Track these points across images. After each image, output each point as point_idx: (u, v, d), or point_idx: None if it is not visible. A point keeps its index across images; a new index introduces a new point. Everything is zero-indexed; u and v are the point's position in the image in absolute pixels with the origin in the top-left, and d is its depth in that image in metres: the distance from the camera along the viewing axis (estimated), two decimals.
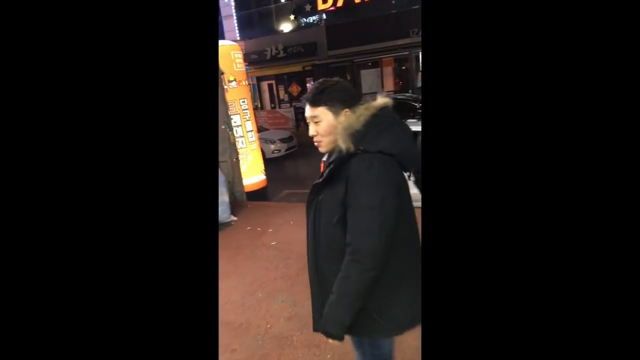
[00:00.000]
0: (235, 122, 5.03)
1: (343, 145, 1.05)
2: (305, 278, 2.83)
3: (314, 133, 1.14)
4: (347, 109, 1.10)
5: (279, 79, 13.76)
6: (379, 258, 1.04)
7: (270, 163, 7.77)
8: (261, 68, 13.45)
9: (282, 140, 9.19)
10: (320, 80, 1.16)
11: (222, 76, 4.57)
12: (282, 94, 13.71)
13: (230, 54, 5.02)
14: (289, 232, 3.83)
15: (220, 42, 5.02)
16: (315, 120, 1.12)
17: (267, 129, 10.36)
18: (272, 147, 8.94)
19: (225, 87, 4.78)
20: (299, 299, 2.52)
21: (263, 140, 8.11)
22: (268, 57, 13.15)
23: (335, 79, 1.18)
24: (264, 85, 14.14)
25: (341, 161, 1.06)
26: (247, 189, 5.11)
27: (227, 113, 4.76)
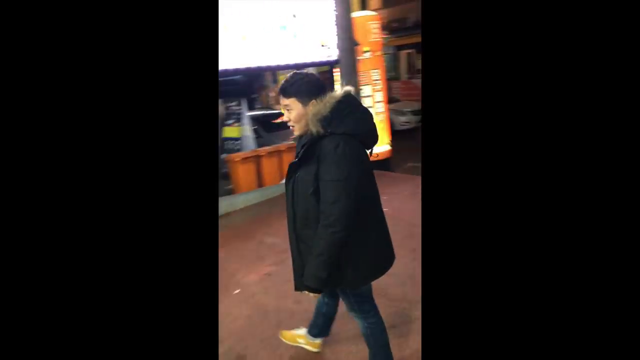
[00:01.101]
0: (365, 92, 5.23)
1: (313, 129, 1.25)
2: (408, 242, 2.97)
3: (287, 119, 1.34)
4: (314, 99, 1.28)
5: (418, 47, 13.19)
6: (347, 221, 1.23)
7: (398, 135, 7.79)
8: (401, 36, 13.09)
9: (413, 113, 9.01)
10: (291, 73, 1.34)
11: (356, 47, 4.78)
12: (419, 64, 13.15)
13: (367, 24, 5.16)
14: (401, 201, 3.95)
15: (359, 13, 5.19)
16: (287, 108, 1.31)
17: (399, 100, 10.25)
18: (402, 118, 8.88)
19: (359, 58, 4.98)
20: (400, 258, 2.69)
21: (393, 112, 8.12)
22: (410, 24, 12.68)
23: (304, 72, 1.37)
24: (402, 54, 13.77)
25: (313, 142, 1.26)
26: (371, 158, 5.33)
27: (358, 83, 4.99)
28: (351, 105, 1.32)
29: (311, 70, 5.15)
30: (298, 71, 1.37)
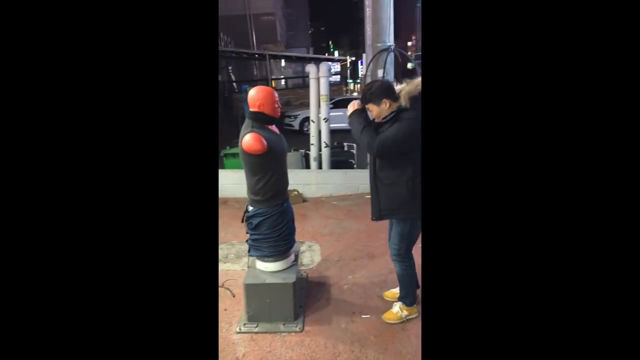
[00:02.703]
0: None
1: (404, 103, 1.79)
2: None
3: (371, 116, 1.90)
4: (385, 99, 1.82)
5: None
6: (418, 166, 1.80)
7: None
8: None
9: None
10: (367, 84, 1.91)
11: None
12: None
13: None
14: None
15: None
16: (369, 110, 1.90)
17: None
18: None
19: None
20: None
21: None
22: None
23: (376, 80, 2.07)
24: None
25: (400, 111, 1.81)
26: None
27: None
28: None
29: None
30: (371, 81, 1.96)
